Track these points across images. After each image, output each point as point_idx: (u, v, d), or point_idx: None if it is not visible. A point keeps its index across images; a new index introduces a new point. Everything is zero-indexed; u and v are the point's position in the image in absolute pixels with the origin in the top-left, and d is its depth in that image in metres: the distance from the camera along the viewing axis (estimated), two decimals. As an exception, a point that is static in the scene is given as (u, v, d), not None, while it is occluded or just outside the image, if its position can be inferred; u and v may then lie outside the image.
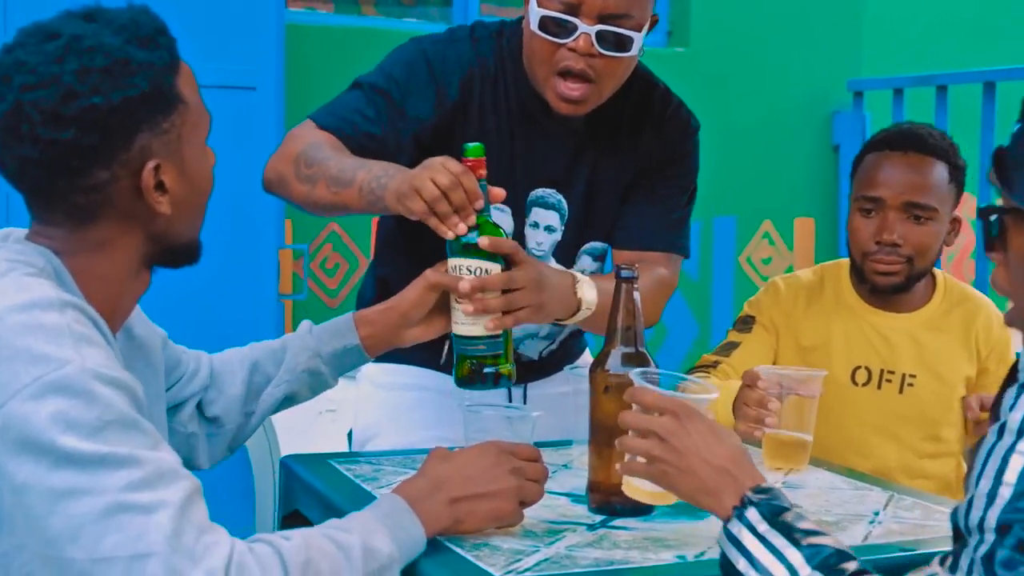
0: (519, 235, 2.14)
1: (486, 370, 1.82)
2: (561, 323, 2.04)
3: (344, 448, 2.42)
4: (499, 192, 1.82)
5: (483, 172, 1.77)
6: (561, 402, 2.20)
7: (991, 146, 4.25)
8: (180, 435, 1.79)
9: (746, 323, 2.48)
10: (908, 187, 2.35)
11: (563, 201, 2.15)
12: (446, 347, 2.12)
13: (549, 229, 2.16)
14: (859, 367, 2.41)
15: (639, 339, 1.71)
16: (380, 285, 2.20)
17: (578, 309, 1.96)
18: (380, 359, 2.26)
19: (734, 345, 2.44)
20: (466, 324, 1.80)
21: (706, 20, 4.71)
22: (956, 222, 2.43)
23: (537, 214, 2.15)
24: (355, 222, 4.00)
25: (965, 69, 4.67)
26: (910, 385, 2.40)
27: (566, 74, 1.99)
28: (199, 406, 1.83)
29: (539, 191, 2.14)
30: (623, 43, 1.98)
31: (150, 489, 1.26)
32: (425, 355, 2.22)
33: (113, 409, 1.28)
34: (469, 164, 1.76)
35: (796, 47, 4.84)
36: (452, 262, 1.80)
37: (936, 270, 2.49)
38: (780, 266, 4.81)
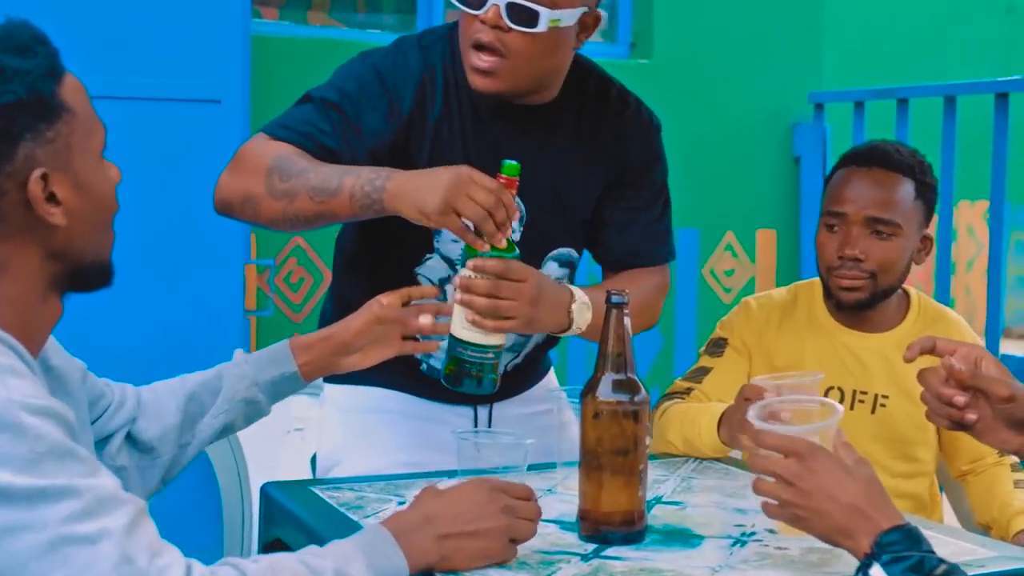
0: None
1: (474, 371, 1.86)
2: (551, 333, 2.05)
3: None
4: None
5: (515, 191, 1.83)
6: (526, 423, 2.18)
7: (952, 160, 4.28)
8: (110, 468, 1.74)
9: (718, 346, 2.46)
10: (871, 202, 2.34)
11: (521, 204, 2.13)
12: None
13: None
14: (831, 387, 2.39)
15: (629, 365, 1.69)
16: (340, 303, 2.17)
17: (568, 327, 1.97)
18: (343, 381, 2.23)
19: (706, 370, 2.42)
20: (474, 331, 1.85)
21: (669, 32, 4.72)
22: (927, 240, 2.43)
23: None
24: (320, 236, 3.96)
25: (926, 83, 4.70)
26: (882, 406, 2.38)
27: (480, 47, 1.99)
28: (130, 438, 1.77)
29: None
30: (531, 17, 1.96)
31: (91, 519, 1.25)
32: (388, 377, 2.19)
33: (45, 440, 1.26)
34: (503, 181, 1.81)
35: (758, 59, 4.85)
36: (470, 264, 1.85)
37: (911, 289, 2.48)
38: (743, 278, 4.82)
